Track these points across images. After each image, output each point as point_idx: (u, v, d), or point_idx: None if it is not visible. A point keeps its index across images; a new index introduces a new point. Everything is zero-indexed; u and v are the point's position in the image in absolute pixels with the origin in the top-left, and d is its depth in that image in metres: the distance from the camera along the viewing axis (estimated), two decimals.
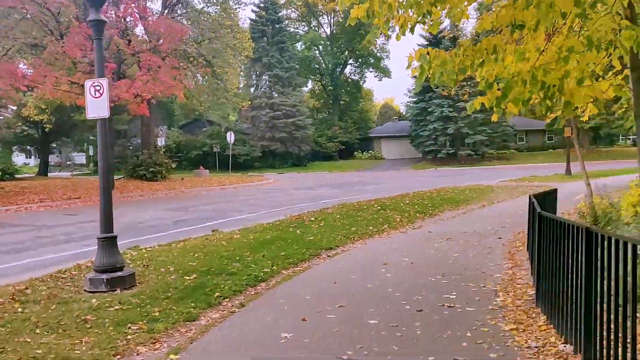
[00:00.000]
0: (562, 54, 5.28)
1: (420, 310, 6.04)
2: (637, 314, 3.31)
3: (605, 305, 3.71)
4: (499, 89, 5.72)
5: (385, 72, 70.42)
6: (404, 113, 72.64)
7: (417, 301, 6.44)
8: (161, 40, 26.72)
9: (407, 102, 65.44)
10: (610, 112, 47.06)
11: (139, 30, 29.51)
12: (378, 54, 69.11)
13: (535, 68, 5.48)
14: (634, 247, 3.32)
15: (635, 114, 6.58)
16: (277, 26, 56.74)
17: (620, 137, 62.12)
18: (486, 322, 5.54)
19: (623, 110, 18.17)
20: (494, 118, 6.46)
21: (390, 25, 6.19)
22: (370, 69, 70.82)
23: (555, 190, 13.26)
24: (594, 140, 59.83)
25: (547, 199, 11.25)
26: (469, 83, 32.11)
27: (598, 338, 3.80)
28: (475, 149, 51.35)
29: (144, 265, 8.65)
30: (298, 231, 12.13)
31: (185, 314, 6.15)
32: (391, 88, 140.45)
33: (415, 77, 5.94)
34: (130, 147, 48.10)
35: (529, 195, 9.65)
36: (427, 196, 20.24)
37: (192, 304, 6.51)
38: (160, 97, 27.89)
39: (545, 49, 6.06)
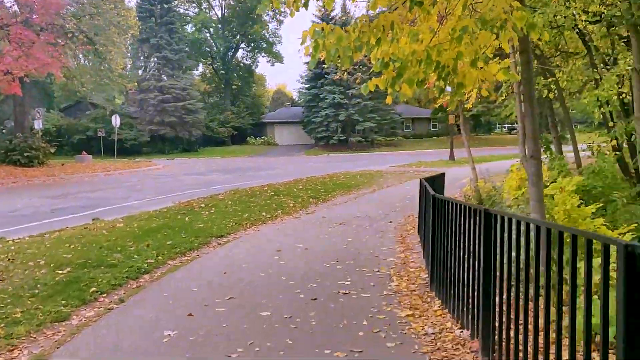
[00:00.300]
0: (456, 33, 5.18)
1: (315, 299, 5.77)
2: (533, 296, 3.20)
3: (505, 289, 3.60)
4: (394, 70, 5.54)
5: (277, 57, 69.95)
6: (297, 99, 72.78)
7: (311, 289, 6.17)
8: (35, 15, 24.55)
9: (300, 88, 65.68)
10: (490, 101, 49.90)
11: (8, 0, 26.97)
12: (270, 39, 68.46)
13: (430, 48, 5.35)
14: (528, 225, 3.28)
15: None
16: (165, 6, 54.30)
17: (497, 125, 66.02)
18: (382, 309, 5.38)
19: (503, 97, 19.02)
20: (388, 100, 6.28)
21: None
22: (263, 54, 70.02)
23: (442, 175, 13.60)
24: (473, 127, 63.14)
25: (435, 183, 11.45)
26: (362, 68, 32.47)
27: (497, 323, 3.70)
28: (365, 136, 52.45)
29: (8, 260, 7.70)
30: (187, 218, 11.49)
31: (54, 313, 5.45)
32: (284, 74, 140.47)
33: (310, 55, 5.62)
34: (4, 131, 44.15)
35: (420, 180, 9.74)
36: (320, 181, 20.20)
37: (63, 302, 5.80)
38: (34, 75, 25.69)
39: (438, 31, 5.97)
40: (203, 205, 13.39)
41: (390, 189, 18.75)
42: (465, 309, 4.54)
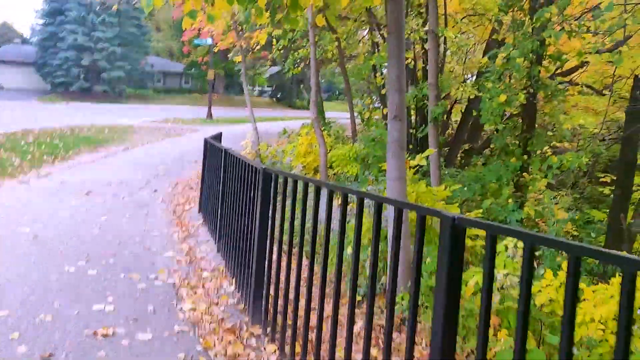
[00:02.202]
0: None
1: (51, 356, 3.21)
2: None
3: None
4: None
5: None
6: (29, 37, 62.19)
7: (45, 329, 3.53)
8: None
9: (34, 24, 56.05)
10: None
11: None
12: None
13: None
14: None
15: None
16: None
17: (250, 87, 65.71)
18: None
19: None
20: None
21: None
22: None
23: (220, 135, 11.45)
24: (225, 87, 61.64)
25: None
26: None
27: None
28: (113, 86, 46.80)
29: None
30: None
31: None
32: (12, 7, 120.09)
33: None
34: None
35: (205, 139, 7.49)
36: (59, 134, 16.35)
37: None
38: None
39: None
40: None
41: (146, 147, 15.90)
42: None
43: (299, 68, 14.21)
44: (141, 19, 51.22)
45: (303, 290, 3.11)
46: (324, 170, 9.66)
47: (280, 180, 3.59)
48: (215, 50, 20.29)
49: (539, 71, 9.72)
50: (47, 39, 45.64)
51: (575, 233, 10.34)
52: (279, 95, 56.39)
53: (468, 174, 11.72)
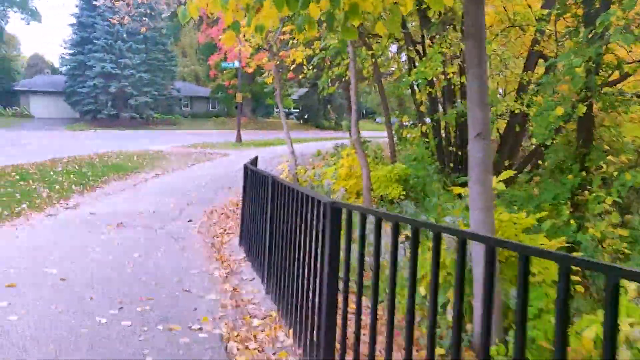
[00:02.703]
0: None
1: None
2: None
3: None
4: None
5: (34, 15, 59.89)
6: (59, 67, 63.13)
7: None
8: None
9: (63, 54, 56.70)
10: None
11: None
12: None
13: None
14: None
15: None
16: None
17: (275, 109, 65.64)
18: None
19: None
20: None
21: None
22: (15, 9, 59.34)
23: (256, 159, 10.89)
24: (253, 110, 61.58)
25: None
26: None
27: None
28: (140, 112, 46.93)
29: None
30: None
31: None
32: (43, 40, 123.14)
33: None
34: None
35: (245, 166, 6.91)
36: (87, 162, 16.01)
37: None
38: None
39: None
40: None
41: (177, 174, 15.43)
42: None
43: (333, 87, 13.63)
44: (167, 44, 51.68)
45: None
46: (368, 194, 8.98)
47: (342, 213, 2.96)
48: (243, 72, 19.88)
49: (597, 81, 9.00)
50: (76, 67, 46.16)
51: None
52: (306, 117, 56.09)
53: (518, 193, 10.92)
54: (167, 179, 14.25)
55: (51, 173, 13.14)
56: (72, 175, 12.98)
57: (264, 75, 14.70)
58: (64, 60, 53.74)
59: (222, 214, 9.31)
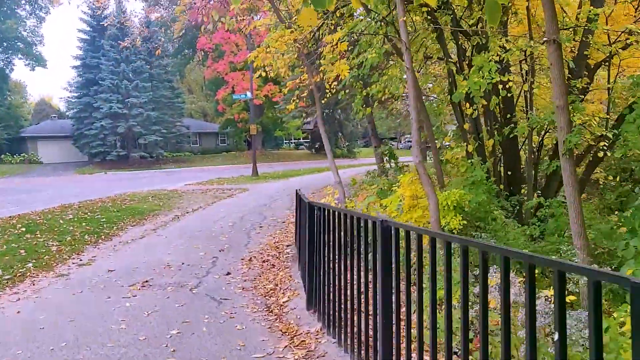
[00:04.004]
0: None
1: None
2: None
3: None
4: None
5: (38, 61, 59.43)
6: (65, 111, 62.36)
7: None
8: None
9: (69, 97, 55.90)
10: (281, 113, 47.52)
11: None
12: (29, 38, 57.82)
13: None
14: None
15: None
16: None
17: (285, 141, 64.56)
18: None
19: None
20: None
21: None
22: (20, 56, 58.92)
23: (298, 194, 9.44)
24: (262, 142, 60.52)
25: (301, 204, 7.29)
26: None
27: None
28: (150, 151, 45.73)
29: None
30: None
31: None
32: (49, 84, 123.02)
33: None
34: None
35: (299, 197, 5.44)
36: (100, 207, 14.57)
37: None
38: None
39: None
40: None
41: (199, 214, 13.97)
42: None
43: (369, 109, 12.21)
44: (173, 81, 50.87)
45: None
46: (437, 227, 7.47)
47: None
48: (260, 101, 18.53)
49: None
50: (83, 110, 45.31)
51: None
52: (317, 146, 54.87)
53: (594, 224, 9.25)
54: (189, 220, 12.78)
55: (61, 222, 11.72)
56: (84, 223, 11.53)
57: (297, 91, 13.02)
58: (70, 104, 52.92)
59: (264, 261, 7.79)
